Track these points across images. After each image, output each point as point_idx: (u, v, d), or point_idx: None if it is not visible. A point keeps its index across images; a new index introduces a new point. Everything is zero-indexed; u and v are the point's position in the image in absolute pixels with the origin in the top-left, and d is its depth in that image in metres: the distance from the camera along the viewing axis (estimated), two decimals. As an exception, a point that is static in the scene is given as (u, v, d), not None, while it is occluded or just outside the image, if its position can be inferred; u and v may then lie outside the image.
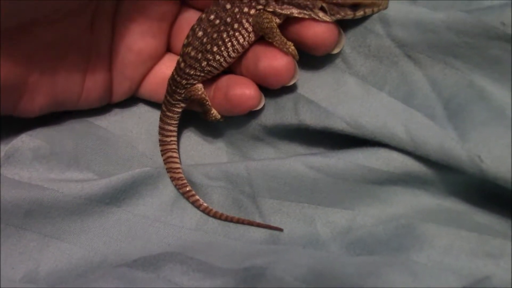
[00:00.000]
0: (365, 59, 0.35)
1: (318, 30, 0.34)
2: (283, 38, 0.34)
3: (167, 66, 0.40)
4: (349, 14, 0.33)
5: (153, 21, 0.38)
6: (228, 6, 0.35)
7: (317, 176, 0.36)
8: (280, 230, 0.38)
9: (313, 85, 0.37)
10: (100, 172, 0.39)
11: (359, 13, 0.33)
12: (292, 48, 0.35)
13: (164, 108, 0.40)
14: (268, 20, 0.34)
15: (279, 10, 0.34)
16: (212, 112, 0.38)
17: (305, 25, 0.34)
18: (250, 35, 0.35)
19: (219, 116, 0.39)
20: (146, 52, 0.39)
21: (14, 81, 0.35)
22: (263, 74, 0.35)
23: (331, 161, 0.35)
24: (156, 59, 0.40)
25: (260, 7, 0.34)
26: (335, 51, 0.35)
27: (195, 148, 0.43)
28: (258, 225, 0.38)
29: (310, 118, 0.36)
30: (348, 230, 0.36)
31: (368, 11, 0.34)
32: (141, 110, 0.42)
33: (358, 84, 0.35)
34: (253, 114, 0.39)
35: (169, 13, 0.38)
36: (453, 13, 0.32)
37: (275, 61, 0.35)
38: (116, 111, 0.42)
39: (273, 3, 0.34)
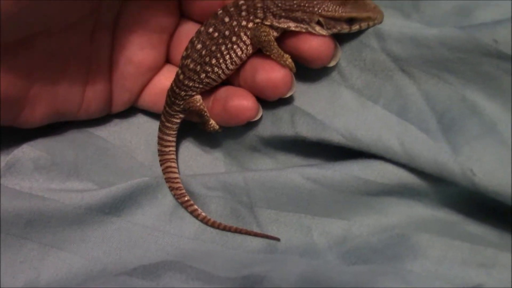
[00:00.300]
0: (360, 72, 0.36)
1: (314, 44, 0.34)
2: (280, 51, 0.35)
3: (166, 77, 0.40)
4: (345, 28, 0.34)
5: (153, 33, 0.38)
6: (227, 19, 0.35)
7: (313, 187, 0.36)
8: (277, 239, 0.38)
9: (309, 98, 0.37)
10: (100, 182, 0.39)
11: (355, 27, 0.34)
12: (289, 61, 0.35)
13: (163, 119, 0.40)
14: (265, 34, 0.34)
15: (276, 24, 0.35)
16: (210, 123, 0.39)
17: (301, 38, 0.35)
18: (248, 48, 0.36)
19: (217, 127, 0.39)
20: (145, 64, 0.39)
21: (15, 93, 0.35)
22: (261, 86, 0.36)
23: (327, 173, 0.36)
24: (156, 70, 0.40)
25: (258, 20, 0.35)
26: (331, 64, 0.36)
27: (193, 159, 0.43)
28: (255, 235, 0.39)
29: (306, 131, 0.37)
30: (344, 240, 0.37)
31: (364, 25, 0.34)
32: (140, 120, 0.43)
33: (353, 97, 0.36)
34: (250, 125, 0.39)
35: (169, 25, 0.39)
36: (447, 29, 0.33)
37: (272, 74, 0.35)
38: (116, 121, 0.42)
39: (271, 16, 0.34)
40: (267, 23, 0.35)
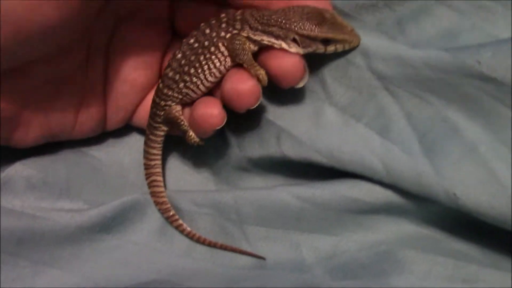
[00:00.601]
0: (345, 90, 0.36)
1: (285, 62, 0.34)
2: (253, 61, 0.35)
3: None
4: (320, 48, 0.34)
5: (146, 52, 0.39)
6: (208, 31, 0.36)
7: (303, 205, 0.37)
8: (263, 258, 0.38)
9: (294, 117, 0.38)
10: (91, 202, 0.40)
11: (330, 48, 0.34)
12: (260, 72, 0.35)
13: (147, 132, 0.40)
14: (240, 42, 0.35)
15: (252, 36, 0.35)
16: (190, 134, 0.38)
17: (272, 55, 0.35)
18: (226, 59, 0.36)
19: (197, 139, 0.39)
20: (139, 83, 0.40)
21: (8, 117, 0.35)
22: (228, 96, 0.35)
23: (316, 192, 0.36)
24: (149, 88, 0.41)
25: (235, 31, 0.35)
26: (299, 85, 0.35)
27: (183, 178, 0.43)
28: (241, 252, 0.39)
29: (293, 153, 0.37)
30: (332, 255, 0.38)
31: (339, 47, 0.35)
32: (134, 139, 0.43)
33: (337, 114, 0.36)
34: (239, 147, 0.40)
35: (162, 44, 0.39)
36: (432, 51, 0.33)
37: (239, 84, 0.35)
38: (109, 140, 0.43)
39: (248, 28, 0.35)
40: (244, 34, 0.35)
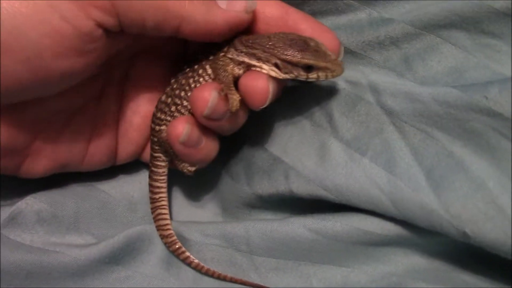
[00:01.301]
0: (352, 124, 0.37)
1: (251, 83, 0.34)
2: (231, 84, 0.35)
3: None
4: (302, 75, 0.34)
5: (160, 84, 0.39)
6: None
7: (315, 237, 0.37)
8: None
9: (301, 154, 0.38)
10: (99, 236, 0.40)
11: (312, 76, 0.34)
12: (233, 96, 0.34)
13: (150, 164, 0.40)
14: (223, 63, 0.35)
15: (235, 56, 0.35)
16: (181, 160, 0.38)
17: (244, 74, 0.35)
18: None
19: (190, 168, 0.38)
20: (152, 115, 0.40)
21: (16, 146, 0.35)
22: (190, 101, 0.35)
23: (328, 224, 0.37)
24: None
25: (222, 54, 0.36)
26: (260, 108, 0.35)
27: (191, 215, 0.43)
28: (251, 285, 0.39)
29: (302, 191, 0.37)
30: (342, 286, 0.38)
31: (322, 75, 0.34)
32: (143, 175, 0.43)
33: (342, 149, 0.36)
34: (249, 185, 0.40)
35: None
36: (440, 87, 0.34)
37: (199, 91, 0.34)
38: (119, 176, 0.43)
39: (233, 49, 0.35)
40: (229, 55, 0.35)
